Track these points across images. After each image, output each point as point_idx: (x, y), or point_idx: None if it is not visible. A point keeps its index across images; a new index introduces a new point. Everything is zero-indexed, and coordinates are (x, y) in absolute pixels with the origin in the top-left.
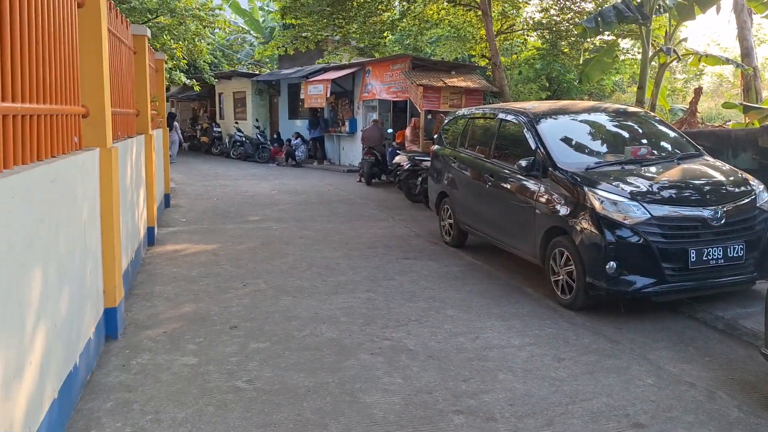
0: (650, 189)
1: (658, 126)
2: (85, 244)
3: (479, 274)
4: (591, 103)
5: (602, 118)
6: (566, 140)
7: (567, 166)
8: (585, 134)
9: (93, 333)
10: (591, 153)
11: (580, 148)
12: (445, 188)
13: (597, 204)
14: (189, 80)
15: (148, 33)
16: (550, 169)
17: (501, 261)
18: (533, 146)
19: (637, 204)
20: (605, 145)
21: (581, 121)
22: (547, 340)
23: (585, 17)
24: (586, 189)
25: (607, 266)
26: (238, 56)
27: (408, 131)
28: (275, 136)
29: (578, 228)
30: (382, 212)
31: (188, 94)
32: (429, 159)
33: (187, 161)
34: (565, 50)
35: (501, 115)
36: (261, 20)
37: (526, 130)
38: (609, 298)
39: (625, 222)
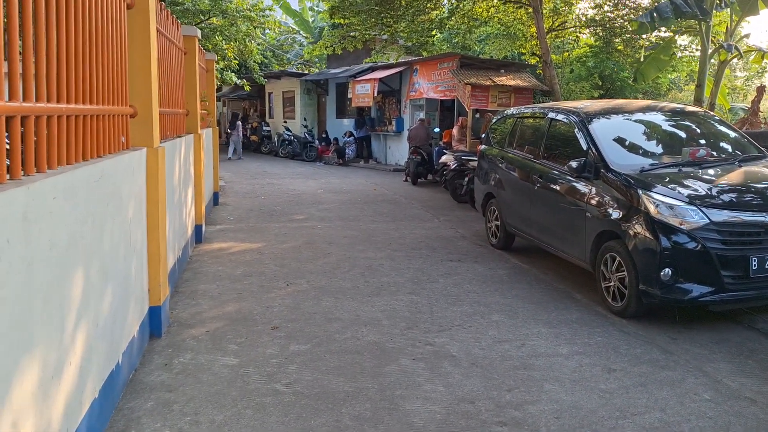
0: (709, 192)
1: (718, 126)
2: (130, 242)
3: (526, 278)
4: (646, 102)
5: (658, 118)
6: (620, 141)
7: (620, 168)
8: (640, 135)
9: (137, 331)
10: (646, 154)
11: (634, 149)
12: (491, 189)
13: (652, 208)
14: (240, 80)
15: (198, 34)
16: (602, 170)
17: (549, 265)
18: (585, 147)
19: (695, 208)
20: (661, 146)
21: (636, 121)
22: (597, 349)
23: (641, 13)
24: (640, 192)
25: (662, 273)
26: (288, 56)
27: (455, 130)
28: (323, 135)
29: (631, 232)
30: (427, 213)
31: (239, 94)
32: (476, 159)
33: (236, 159)
34: (619, 47)
35: (551, 115)
36: (311, 20)
37: (577, 130)
38: (663, 306)
39: (682, 227)
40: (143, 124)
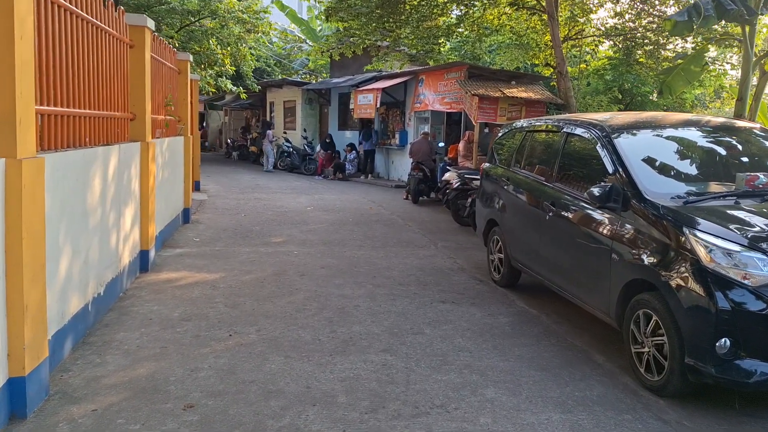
0: None
1: None
2: None
3: (533, 330)
4: (685, 116)
5: (701, 135)
6: (655, 162)
7: (657, 197)
8: (680, 155)
9: None
10: (689, 180)
11: (673, 173)
12: (495, 215)
13: (702, 253)
14: (236, 87)
15: (149, 23)
16: (632, 200)
17: (562, 310)
18: (610, 169)
19: (763, 256)
20: (708, 170)
21: (673, 138)
22: None
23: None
24: (686, 231)
25: (718, 344)
26: (294, 65)
27: (461, 145)
28: (327, 140)
29: (673, 284)
30: (424, 237)
31: (241, 103)
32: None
33: (231, 171)
34: (641, 59)
35: (567, 128)
36: (318, 29)
37: (600, 147)
38: (718, 386)
39: (746, 282)
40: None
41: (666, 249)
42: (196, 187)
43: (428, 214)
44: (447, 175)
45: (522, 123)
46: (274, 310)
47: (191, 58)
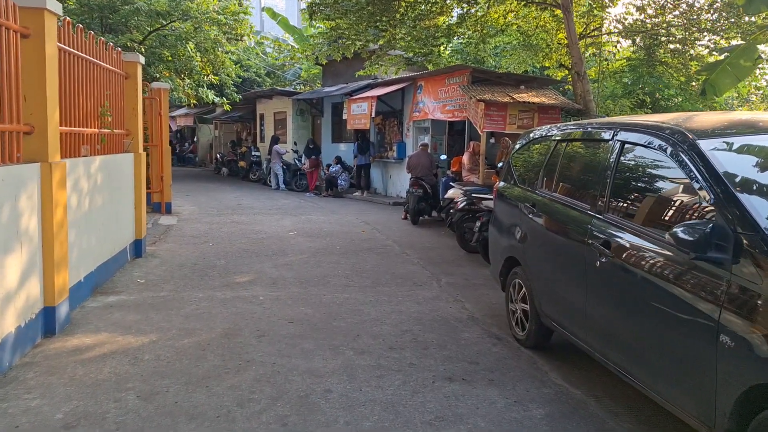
0: None
1: None
2: None
3: (583, 430)
4: None
5: None
6: None
7: None
8: None
9: None
10: None
11: None
12: (516, 251)
13: None
14: (219, 99)
15: (49, 4)
16: (749, 246)
17: (619, 389)
18: (708, 196)
19: None
20: None
21: None
22: None
23: (694, 17)
24: None
25: None
26: (286, 76)
27: (465, 158)
28: (311, 146)
29: None
30: (425, 269)
31: (231, 116)
32: (491, 197)
33: (215, 189)
34: (665, 59)
35: (621, 135)
36: (311, 36)
37: (681, 162)
38: None
39: None
40: None
41: None
42: (167, 209)
43: (429, 237)
44: (451, 192)
45: (549, 130)
46: (206, 404)
47: (141, 59)
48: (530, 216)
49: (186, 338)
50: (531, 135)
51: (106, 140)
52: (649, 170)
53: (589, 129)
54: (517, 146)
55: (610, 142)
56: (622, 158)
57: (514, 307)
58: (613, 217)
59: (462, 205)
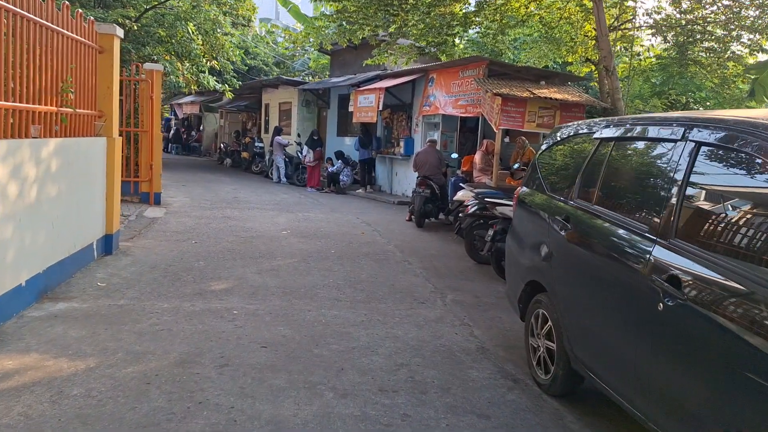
0: None
1: None
2: None
3: None
4: None
5: None
6: None
7: None
8: None
9: None
10: None
11: None
12: (540, 274)
13: None
14: (221, 85)
15: None
16: None
17: None
18: None
19: None
20: None
21: None
22: None
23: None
24: None
25: None
26: (295, 65)
27: (478, 157)
28: (315, 137)
29: None
30: (428, 282)
31: (237, 105)
32: (506, 203)
33: (214, 180)
34: (700, 59)
35: (696, 135)
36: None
37: None
38: None
39: None
40: None
41: None
42: (156, 200)
43: (435, 243)
44: (460, 194)
45: (591, 125)
46: None
47: (119, 32)
48: (561, 232)
49: (131, 365)
50: (563, 132)
51: (68, 121)
52: (739, 181)
53: (648, 125)
54: (544, 146)
55: (680, 143)
56: (697, 164)
57: (535, 343)
58: (685, 244)
59: (473, 209)
